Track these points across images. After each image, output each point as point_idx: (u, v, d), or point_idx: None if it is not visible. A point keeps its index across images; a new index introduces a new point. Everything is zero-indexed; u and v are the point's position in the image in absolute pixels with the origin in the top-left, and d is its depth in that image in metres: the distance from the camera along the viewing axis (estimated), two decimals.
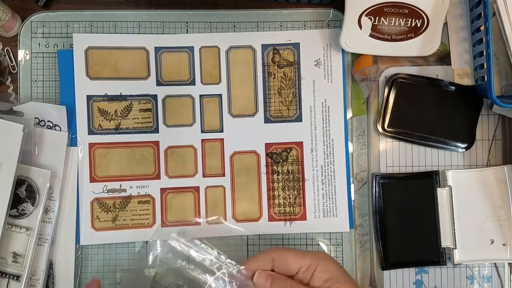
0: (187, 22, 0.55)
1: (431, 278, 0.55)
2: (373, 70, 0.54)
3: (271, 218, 0.55)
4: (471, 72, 0.54)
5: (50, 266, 0.52)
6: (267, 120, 0.55)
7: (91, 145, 0.54)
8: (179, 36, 0.55)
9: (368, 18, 0.52)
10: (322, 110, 0.55)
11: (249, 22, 0.55)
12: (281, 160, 0.55)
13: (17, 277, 0.49)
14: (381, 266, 0.53)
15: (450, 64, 0.55)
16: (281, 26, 0.56)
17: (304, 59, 0.55)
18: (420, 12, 0.52)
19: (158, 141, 0.54)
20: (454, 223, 0.53)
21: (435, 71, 0.55)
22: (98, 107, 0.54)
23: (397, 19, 0.53)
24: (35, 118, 0.52)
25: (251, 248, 0.55)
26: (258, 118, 0.55)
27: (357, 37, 0.53)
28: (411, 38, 0.53)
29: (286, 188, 0.55)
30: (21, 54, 0.54)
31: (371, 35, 0.53)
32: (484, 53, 0.51)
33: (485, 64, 0.50)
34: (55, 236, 0.52)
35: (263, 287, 0.41)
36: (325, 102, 0.55)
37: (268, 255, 0.42)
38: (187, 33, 0.55)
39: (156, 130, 0.54)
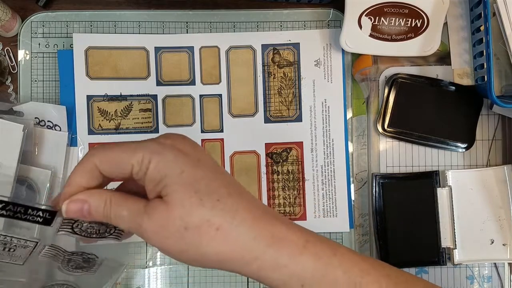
0: (187, 22, 0.55)
1: (431, 278, 0.55)
2: (373, 70, 0.54)
3: None
4: (471, 72, 0.54)
5: None
6: (267, 120, 0.55)
7: (91, 145, 0.54)
8: (179, 36, 0.55)
9: (368, 18, 0.52)
10: (322, 110, 0.55)
11: (249, 22, 0.55)
12: (281, 160, 0.55)
13: None
14: None
15: (450, 64, 0.55)
16: (281, 26, 0.56)
17: (304, 59, 0.55)
18: (420, 12, 0.52)
19: None
20: (454, 223, 0.53)
21: (435, 71, 0.55)
22: (98, 107, 0.54)
23: (397, 19, 0.53)
24: (35, 118, 0.52)
25: None
26: (258, 118, 0.55)
27: (357, 37, 0.53)
28: (411, 38, 0.53)
29: (286, 188, 0.55)
30: (21, 54, 0.54)
31: (371, 35, 0.53)
32: (484, 53, 0.51)
33: (485, 64, 0.50)
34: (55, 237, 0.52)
35: (82, 215, 0.31)
36: (325, 102, 0.55)
37: (88, 164, 0.31)
38: (187, 33, 0.55)
39: (156, 130, 0.54)
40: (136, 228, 0.30)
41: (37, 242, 0.38)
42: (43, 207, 0.33)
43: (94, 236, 0.34)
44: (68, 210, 0.31)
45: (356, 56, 0.55)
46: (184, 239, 0.28)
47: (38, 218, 0.34)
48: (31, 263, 0.40)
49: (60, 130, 0.53)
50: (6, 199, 0.33)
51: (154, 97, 0.54)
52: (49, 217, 0.34)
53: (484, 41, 0.51)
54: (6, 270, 0.41)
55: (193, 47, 0.55)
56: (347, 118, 0.56)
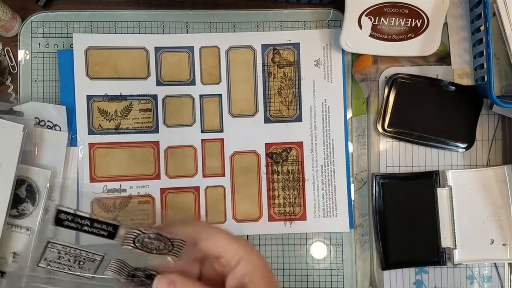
0: (187, 22, 0.55)
1: (431, 278, 0.55)
2: (373, 70, 0.54)
3: (271, 218, 0.55)
4: (471, 72, 0.54)
5: None
6: (267, 120, 0.55)
7: (91, 145, 0.54)
8: (179, 36, 0.55)
9: (368, 18, 0.52)
10: (322, 110, 0.55)
11: (249, 22, 0.55)
12: (281, 160, 0.55)
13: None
14: (381, 266, 0.53)
15: (450, 64, 0.55)
16: (281, 26, 0.56)
17: (304, 59, 0.55)
18: (420, 12, 0.52)
19: (158, 141, 0.54)
20: (454, 223, 0.53)
21: (435, 71, 0.55)
22: (98, 107, 0.54)
23: (397, 19, 0.53)
24: (35, 118, 0.52)
25: None
26: (258, 118, 0.55)
27: (357, 37, 0.53)
28: (411, 38, 0.53)
29: (286, 188, 0.55)
30: (21, 54, 0.54)
31: (371, 35, 0.53)
32: (484, 53, 0.51)
33: (485, 64, 0.50)
34: (56, 236, 0.52)
35: None
36: (325, 102, 0.55)
37: (195, 228, 0.37)
38: (187, 33, 0.55)
39: (156, 130, 0.54)
40: None
41: (103, 256, 0.40)
42: (107, 221, 0.36)
43: (154, 252, 0.37)
44: (159, 282, 0.36)
45: (356, 56, 0.55)
46: None
47: (103, 232, 0.36)
48: (99, 280, 0.42)
49: (60, 130, 0.53)
50: (73, 211, 0.35)
51: (154, 97, 0.54)
52: (112, 231, 0.36)
53: (484, 41, 0.51)
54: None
55: (193, 47, 0.55)
56: (347, 118, 0.56)
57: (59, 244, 0.38)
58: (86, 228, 0.36)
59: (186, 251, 0.38)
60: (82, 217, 0.36)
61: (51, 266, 0.39)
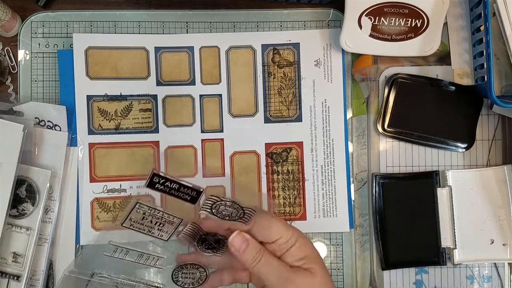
0: (187, 22, 0.55)
1: (431, 278, 0.55)
2: (373, 70, 0.54)
3: None
4: (471, 72, 0.54)
5: (50, 266, 0.52)
6: (267, 120, 0.55)
7: (91, 145, 0.54)
8: (179, 36, 0.55)
9: (368, 18, 0.52)
10: (322, 110, 0.55)
11: (249, 22, 0.55)
12: (281, 160, 0.55)
13: (17, 277, 0.49)
14: (381, 266, 0.53)
15: (450, 64, 0.55)
16: (281, 26, 0.56)
17: (304, 59, 0.55)
18: (420, 12, 0.52)
19: (158, 141, 0.54)
20: (454, 223, 0.53)
21: (435, 71, 0.55)
22: (98, 107, 0.54)
23: (397, 19, 0.53)
24: (35, 118, 0.52)
25: None
26: (258, 118, 0.55)
27: (357, 37, 0.53)
28: (411, 38, 0.53)
29: (286, 188, 0.55)
30: (21, 54, 0.54)
31: (371, 35, 0.53)
32: (484, 53, 0.51)
33: (485, 64, 0.50)
34: (55, 236, 0.52)
35: (236, 249, 0.39)
36: (325, 102, 0.55)
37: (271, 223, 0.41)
38: (187, 33, 0.55)
39: (156, 130, 0.54)
40: (281, 282, 0.38)
41: (181, 220, 0.42)
42: (191, 185, 0.40)
43: (226, 218, 0.40)
44: (235, 236, 0.39)
45: (356, 56, 0.55)
46: None
47: (187, 196, 0.40)
48: (171, 244, 0.47)
49: (60, 130, 0.53)
50: (165, 176, 0.39)
51: (154, 97, 0.54)
52: (195, 196, 0.40)
53: (484, 41, 0.51)
54: (152, 245, 0.49)
55: (193, 47, 0.55)
56: (347, 118, 0.56)
57: (145, 205, 0.41)
58: (173, 192, 0.40)
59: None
60: (172, 181, 0.40)
61: (133, 227, 0.42)
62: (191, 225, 0.42)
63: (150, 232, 0.43)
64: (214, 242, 0.41)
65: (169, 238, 0.44)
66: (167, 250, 0.51)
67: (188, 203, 0.42)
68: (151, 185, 0.40)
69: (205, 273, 0.45)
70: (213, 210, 0.39)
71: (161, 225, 0.43)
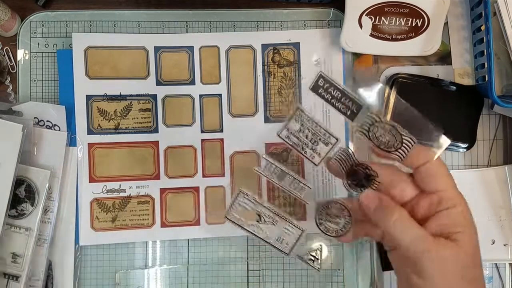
0: (187, 22, 0.55)
1: None
2: (374, 70, 0.54)
3: None
4: (472, 72, 0.54)
5: (49, 266, 0.52)
6: (267, 120, 0.55)
7: (90, 145, 0.53)
8: (179, 35, 0.55)
9: (369, 17, 0.52)
10: (322, 110, 0.55)
11: (249, 22, 0.55)
12: (281, 160, 0.55)
13: (16, 278, 0.49)
14: (381, 266, 0.53)
15: (451, 64, 0.54)
16: (281, 25, 0.56)
17: (304, 59, 0.55)
18: (421, 11, 0.52)
19: (158, 141, 0.54)
20: None
21: (436, 71, 0.55)
22: (97, 107, 0.54)
23: (397, 18, 0.52)
24: (34, 118, 0.52)
25: (251, 249, 0.54)
26: (258, 118, 0.55)
27: (357, 36, 0.53)
28: (411, 37, 0.53)
29: None
30: (20, 53, 0.54)
31: (371, 35, 0.53)
32: (485, 53, 0.51)
33: (486, 64, 0.50)
34: (55, 237, 0.52)
35: (367, 206, 0.35)
36: None
37: (426, 154, 0.36)
38: (187, 32, 0.55)
39: (156, 130, 0.54)
40: (418, 250, 0.33)
41: (337, 140, 0.38)
42: (355, 99, 0.36)
43: (382, 146, 0.35)
44: (366, 194, 0.36)
45: (357, 56, 0.55)
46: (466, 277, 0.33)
47: (347, 110, 0.36)
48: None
49: (59, 130, 0.53)
50: (332, 81, 0.35)
51: (154, 97, 0.54)
52: (355, 111, 0.36)
53: (484, 40, 0.51)
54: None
55: (192, 46, 0.55)
56: None
57: (305, 114, 0.37)
58: (333, 101, 0.36)
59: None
60: (336, 88, 0.36)
61: (289, 139, 0.38)
62: (343, 150, 0.37)
63: (303, 150, 0.38)
64: (364, 178, 0.36)
65: (320, 162, 0.38)
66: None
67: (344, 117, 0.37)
68: (315, 88, 0.36)
69: (350, 222, 0.38)
70: (370, 134, 0.35)
71: (315, 143, 0.38)
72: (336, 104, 0.36)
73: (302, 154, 0.38)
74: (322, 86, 0.36)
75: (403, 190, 0.37)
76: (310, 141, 0.38)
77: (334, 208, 0.38)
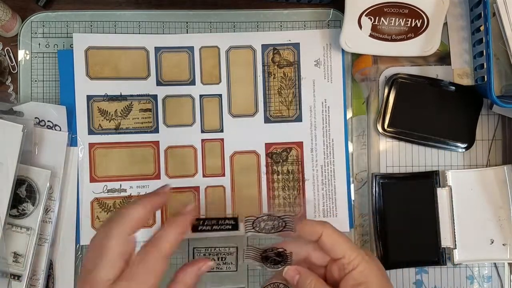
0: (187, 22, 0.55)
1: (431, 278, 0.55)
2: (373, 70, 0.54)
3: None
4: (471, 72, 0.54)
5: (50, 266, 0.52)
6: (267, 120, 0.55)
7: (91, 145, 0.54)
8: (179, 36, 0.55)
9: (368, 18, 0.52)
10: (322, 110, 0.55)
11: (249, 22, 0.55)
12: (281, 160, 0.55)
13: (18, 277, 0.49)
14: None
15: (450, 64, 0.55)
16: (281, 26, 0.56)
17: (304, 59, 0.55)
18: (420, 12, 0.52)
19: (158, 141, 0.54)
20: (454, 223, 0.53)
21: (435, 71, 0.55)
22: (98, 107, 0.54)
23: (397, 19, 0.53)
24: (35, 118, 0.52)
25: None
26: (258, 118, 0.55)
27: (357, 37, 0.53)
28: (411, 38, 0.53)
29: (286, 188, 0.55)
30: (21, 54, 0.54)
31: (371, 35, 0.53)
32: (484, 53, 0.51)
33: (485, 64, 0.50)
34: (55, 236, 0.52)
35: (289, 279, 0.41)
36: (325, 102, 0.55)
37: (319, 227, 0.40)
38: (187, 33, 0.55)
39: (156, 130, 0.54)
40: None
41: (236, 247, 0.47)
42: (228, 216, 0.44)
43: (272, 231, 0.43)
44: (288, 269, 0.41)
45: (356, 56, 0.55)
46: None
47: (228, 226, 0.43)
48: (243, 269, 0.51)
49: (60, 130, 0.53)
50: (203, 217, 0.43)
51: (154, 97, 0.54)
52: (234, 223, 0.43)
53: (484, 41, 0.51)
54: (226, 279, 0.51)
55: (193, 47, 0.55)
56: (347, 118, 0.56)
57: (202, 248, 0.46)
58: (215, 227, 0.43)
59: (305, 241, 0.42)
60: (209, 219, 0.43)
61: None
62: (247, 248, 0.44)
63: (219, 268, 0.47)
64: (276, 256, 0.43)
65: (237, 267, 0.47)
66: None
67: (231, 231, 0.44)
68: (194, 229, 0.42)
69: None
70: (256, 228, 0.42)
71: (223, 259, 0.46)
72: (219, 227, 0.43)
73: (220, 271, 0.48)
74: (199, 225, 0.43)
75: (318, 257, 0.42)
76: (219, 260, 0.48)
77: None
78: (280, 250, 0.42)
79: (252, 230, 0.42)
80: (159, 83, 0.54)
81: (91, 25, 0.54)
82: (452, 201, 0.53)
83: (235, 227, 0.43)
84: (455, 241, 0.53)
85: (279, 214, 0.42)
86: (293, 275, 0.41)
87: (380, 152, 0.55)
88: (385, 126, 0.54)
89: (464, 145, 0.55)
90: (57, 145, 0.52)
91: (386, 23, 0.53)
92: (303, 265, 0.42)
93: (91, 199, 0.53)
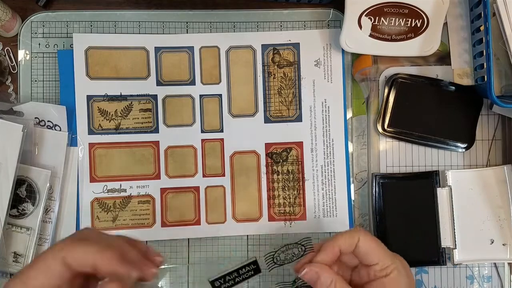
0: (187, 22, 0.55)
1: (431, 278, 0.55)
2: (373, 70, 0.54)
3: (271, 218, 0.55)
4: (471, 72, 0.54)
5: None
6: (267, 120, 0.55)
7: (91, 145, 0.54)
8: (179, 36, 0.55)
9: (368, 18, 0.52)
10: (322, 110, 0.55)
11: (249, 22, 0.55)
12: (281, 160, 0.55)
13: None
14: None
15: (450, 64, 0.55)
16: (281, 26, 0.56)
17: (304, 59, 0.55)
18: (420, 12, 0.52)
19: (158, 141, 0.54)
20: (454, 223, 0.53)
21: (435, 71, 0.55)
22: (98, 107, 0.54)
23: (397, 19, 0.53)
24: (35, 118, 0.52)
25: (251, 248, 0.54)
26: (258, 118, 0.55)
27: (357, 37, 0.53)
28: (411, 38, 0.53)
29: (286, 188, 0.55)
30: (21, 54, 0.54)
31: (371, 35, 0.53)
32: (484, 53, 0.51)
33: (485, 64, 0.50)
34: (55, 236, 0.52)
35: (308, 280, 0.40)
36: (325, 102, 0.55)
37: (355, 235, 0.40)
38: (187, 33, 0.55)
39: (156, 130, 0.54)
40: None
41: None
42: (246, 262, 0.44)
43: (294, 259, 0.44)
44: (305, 272, 0.39)
45: (356, 56, 0.55)
46: None
47: (251, 272, 0.44)
48: None
49: (60, 130, 0.53)
50: (221, 275, 0.43)
51: (154, 97, 0.54)
52: (254, 266, 0.44)
53: (484, 41, 0.51)
54: None
55: (193, 47, 0.55)
56: (347, 118, 0.56)
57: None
58: (238, 279, 0.43)
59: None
60: (229, 274, 0.43)
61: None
62: (277, 286, 0.45)
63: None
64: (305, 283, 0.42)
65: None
66: None
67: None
68: (213, 285, 0.43)
69: None
70: (279, 263, 0.43)
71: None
72: (241, 278, 0.44)
73: None
74: (220, 284, 0.43)
75: (348, 259, 0.42)
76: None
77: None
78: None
79: (275, 265, 0.43)
80: (159, 83, 0.54)
81: (91, 25, 0.54)
82: (452, 201, 0.53)
83: (257, 270, 0.43)
84: (455, 241, 0.53)
85: (293, 241, 0.42)
86: (311, 276, 0.39)
87: (380, 152, 0.55)
88: (385, 126, 0.54)
89: (464, 145, 0.55)
90: (57, 145, 0.52)
91: (386, 23, 0.53)
92: (333, 266, 0.41)
93: (91, 199, 0.53)
